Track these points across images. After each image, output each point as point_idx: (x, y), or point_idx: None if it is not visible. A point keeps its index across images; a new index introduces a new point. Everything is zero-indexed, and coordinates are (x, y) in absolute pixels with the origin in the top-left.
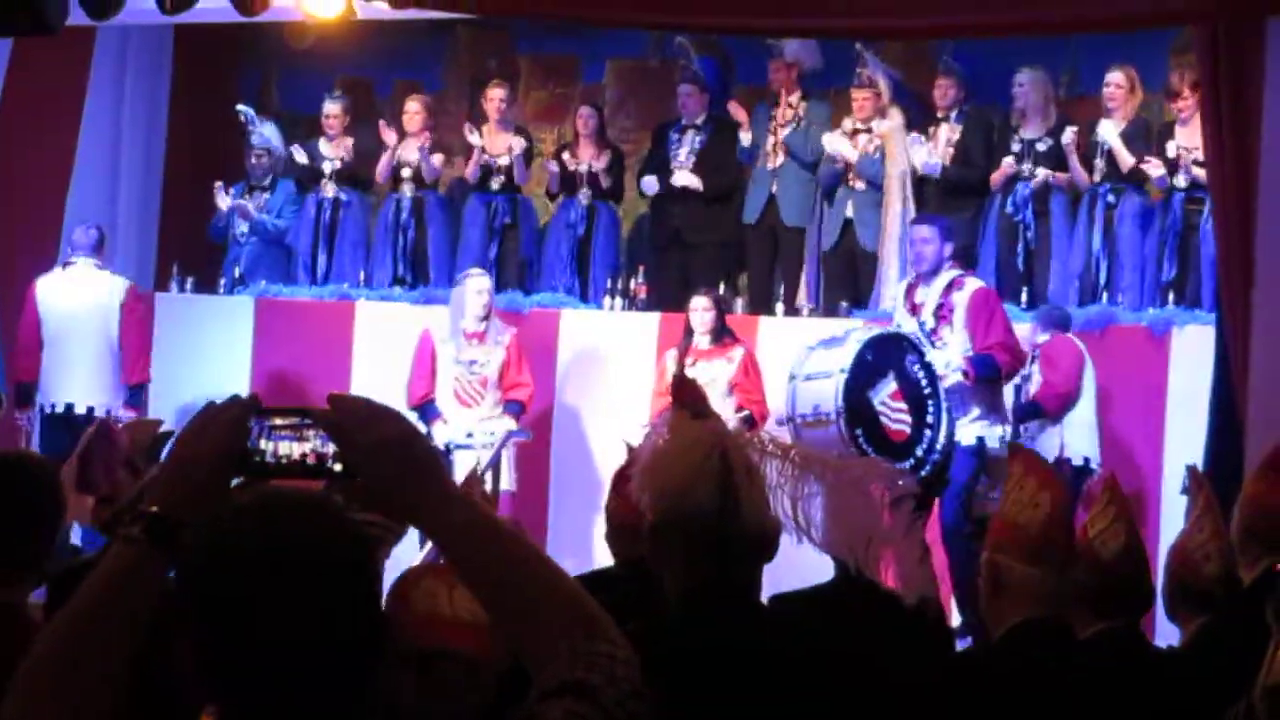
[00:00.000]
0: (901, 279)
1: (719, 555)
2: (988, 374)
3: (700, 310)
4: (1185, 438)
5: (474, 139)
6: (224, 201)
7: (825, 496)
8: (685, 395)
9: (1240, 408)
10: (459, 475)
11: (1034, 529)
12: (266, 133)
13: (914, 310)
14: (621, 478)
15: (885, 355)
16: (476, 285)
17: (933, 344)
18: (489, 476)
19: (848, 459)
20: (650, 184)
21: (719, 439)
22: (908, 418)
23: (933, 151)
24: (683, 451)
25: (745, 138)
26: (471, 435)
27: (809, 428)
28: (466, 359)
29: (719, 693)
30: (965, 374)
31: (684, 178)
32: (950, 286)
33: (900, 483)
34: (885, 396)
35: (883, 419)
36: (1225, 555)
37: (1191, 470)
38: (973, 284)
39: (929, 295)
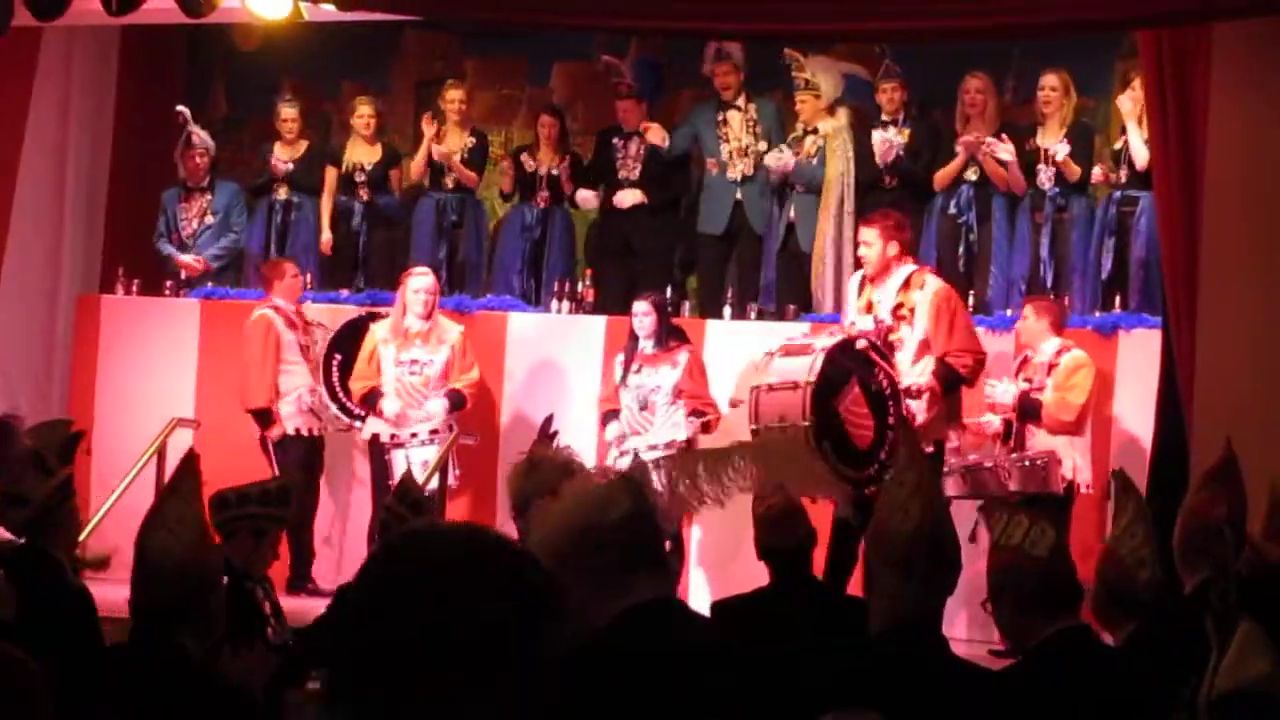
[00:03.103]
0: (833, 280)
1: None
2: (953, 384)
3: (641, 315)
4: (1130, 440)
5: (429, 131)
6: (166, 249)
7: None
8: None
9: (1186, 409)
10: (397, 472)
11: (899, 539)
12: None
13: (868, 308)
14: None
15: (846, 362)
16: (416, 284)
17: (889, 345)
18: (436, 474)
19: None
20: (587, 199)
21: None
22: (870, 422)
23: (892, 137)
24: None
25: (662, 140)
26: (415, 435)
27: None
28: (408, 359)
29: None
30: (933, 390)
31: (629, 196)
32: (908, 284)
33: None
34: (849, 403)
35: (848, 427)
36: (1157, 562)
37: (1119, 475)
38: (933, 283)
39: (884, 294)
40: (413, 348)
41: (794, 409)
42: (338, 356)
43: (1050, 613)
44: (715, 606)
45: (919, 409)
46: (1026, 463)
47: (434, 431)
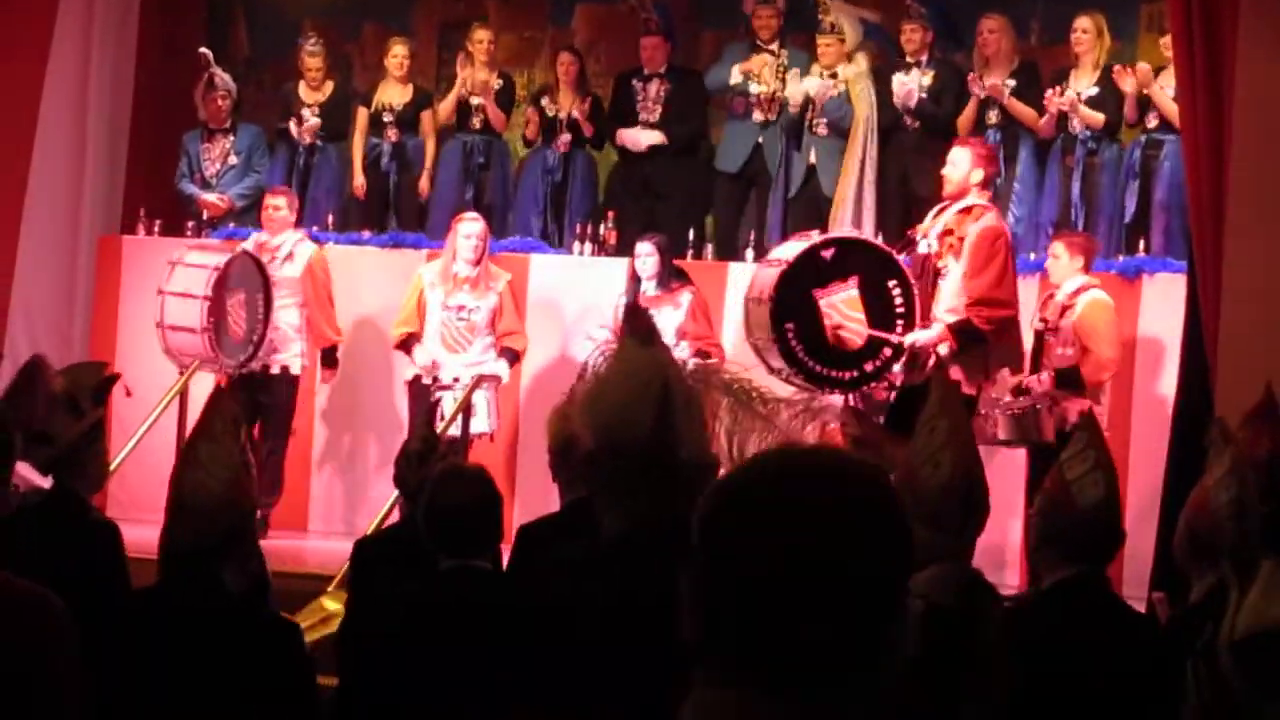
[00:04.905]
0: (854, 224)
1: (654, 486)
2: (972, 341)
3: (644, 256)
4: (1153, 386)
5: (463, 73)
6: (189, 189)
7: (760, 433)
8: (635, 323)
9: (1210, 354)
10: (447, 414)
11: (929, 490)
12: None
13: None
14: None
15: (852, 261)
16: (467, 230)
17: (936, 270)
18: (460, 418)
19: (798, 396)
20: (636, 141)
21: (661, 367)
22: (862, 329)
23: (913, 82)
24: (624, 378)
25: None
26: (458, 379)
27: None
28: (455, 304)
29: (648, 628)
30: (950, 350)
31: (648, 136)
32: (967, 212)
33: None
34: (839, 300)
35: (826, 321)
36: (1249, 520)
37: (1219, 423)
38: (987, 219)
39: (941, 219)
40: (460, 293)
41: (766, 287)
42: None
43: (1076, 557)
44: None
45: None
46: (1015, 411)
47: (478, 376)
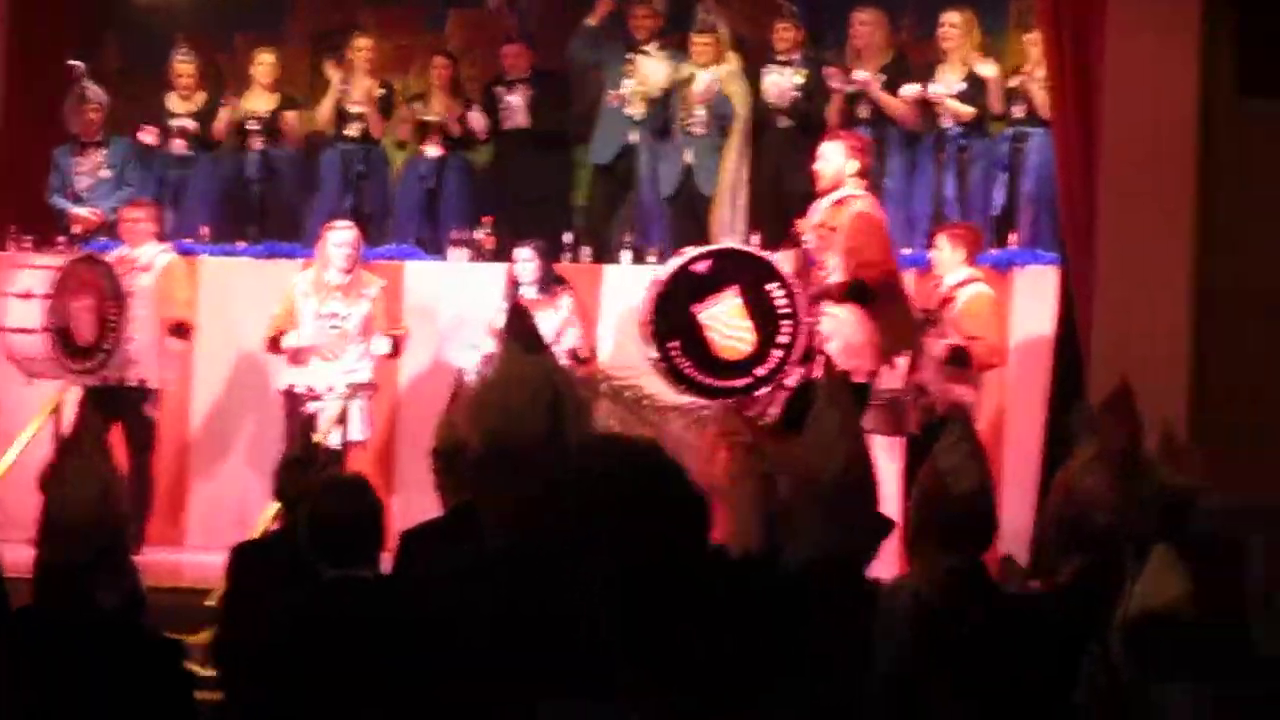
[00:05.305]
0: (733, 224)
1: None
2: (858, 296)
3: (523, 261)
4: (1026, 378)
5: (335, 79)
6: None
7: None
8: (518, 327)
9: (1084, 345)
10: (320, 426)
11: (826, 484)
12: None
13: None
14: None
15: (727, 270)
16: (337, 238)
17: (818, 264)
18: (338, 428)
19: (686, 404)
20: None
21: (550, 374)
22: (749, 336)
23: (786, 81)
24: (512, 384)
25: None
26: (332, 388)
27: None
28: (328, 312)
29: (534, 637)
30: (832, 299)
31: (515, 119)
32: (841, 203)
33: (738, 428)
34: (720, 312)
35: (708, 333)
36: (1118, 506)
37: (1084, 408)
38: (859, 205)
39: (815, 211)
40: (332, 301)
41: (648, 308)
42: None
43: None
44: None
45: (848, 333)
46: (881, 403)
47: (352, 385)
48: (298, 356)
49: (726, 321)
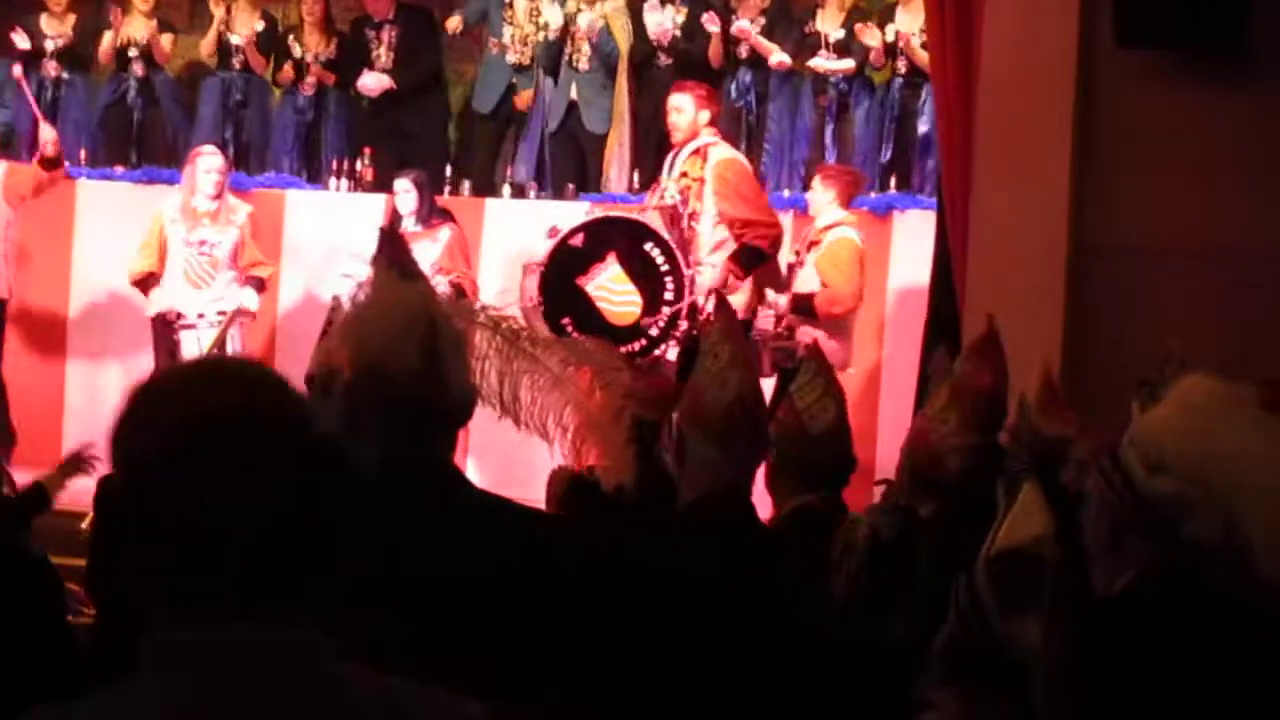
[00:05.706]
0: (628, 161)
1: (419, 421)
2: (756, 263)
3: (402, 193)
4: (903, 322)
5: (218, 12)
6: None
7: (531, 374)
8: (392, 251)
9: (959, 289)
10: (186, 353)
11: (717, 411)
12: None
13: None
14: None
15: (602, 239)
16: (206, 164)
17: (688, 215)
18: (214, 354)
19: (561, 339)
20: (368, 88)
21: (426, 302)
22: (636, 298)
23: (668, 19)
24: (387, 311)
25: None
26: (203, 315)
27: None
28: (196, 239)
29: (414, 565)
30: (736, 275)
31: (374, 81)
32: (698, 153)
33: (616, 364)
34: (604, 280)
35: (601, 305)
36: (967, 453)
37: (938, 355)
38: (718, 153)
39: (675, 164)
40: (201, 227)
41: (535, 290)
42: None
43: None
44: None
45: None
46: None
47: (223, 312)
48: (164, 289)
49: (612, 289)
